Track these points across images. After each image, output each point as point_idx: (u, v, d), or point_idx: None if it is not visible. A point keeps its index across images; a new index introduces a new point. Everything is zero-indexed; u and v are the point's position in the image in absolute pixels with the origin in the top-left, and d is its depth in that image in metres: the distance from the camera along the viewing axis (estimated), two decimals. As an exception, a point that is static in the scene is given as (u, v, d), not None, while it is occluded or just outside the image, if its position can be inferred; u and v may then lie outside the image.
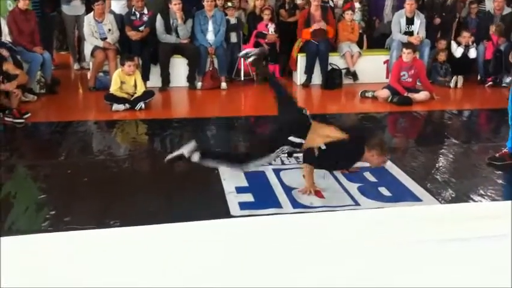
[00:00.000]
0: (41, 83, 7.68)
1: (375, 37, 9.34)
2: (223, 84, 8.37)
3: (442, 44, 8.80)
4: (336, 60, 8.65)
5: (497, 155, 5.15)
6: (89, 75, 8.31)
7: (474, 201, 4.30)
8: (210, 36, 8.37)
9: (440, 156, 5.48)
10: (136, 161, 5.32)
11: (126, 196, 4.33)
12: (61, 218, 3.90)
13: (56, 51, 10.20)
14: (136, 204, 4.15)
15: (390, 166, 4.95)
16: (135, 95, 7.04)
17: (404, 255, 2.87)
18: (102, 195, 4.35)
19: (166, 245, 3.10)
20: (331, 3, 9.15)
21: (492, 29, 8.63)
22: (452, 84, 8.49)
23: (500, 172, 4.93)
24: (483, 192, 4.46)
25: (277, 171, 4.78)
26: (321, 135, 4.16)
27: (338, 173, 4.71)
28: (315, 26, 8.43)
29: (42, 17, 8.98)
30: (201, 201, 4.19)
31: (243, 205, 4.11)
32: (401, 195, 4.37)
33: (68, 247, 2.91)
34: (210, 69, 8.41)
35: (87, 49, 8.27)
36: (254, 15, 8.93)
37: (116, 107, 6.90)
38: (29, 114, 6.50)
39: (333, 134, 4.18)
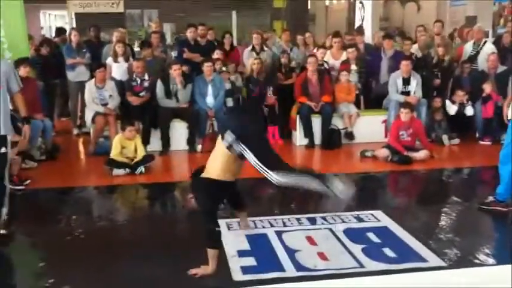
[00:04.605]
0: (41, 149, 7.69)
1: (371, 98, 9.45)
2: (223, 147, 8.39)
3: (437, 102, 8.90)
4: (334, 120, 8.73)
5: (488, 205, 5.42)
6: (90, 138, 8.34)
7: (480, 260, 4.23)
8: (210, 100, 8.48)
9: (443, 214, 5.44)
10: (137, 226, 5.27)
11: (127, 263, 4.26)
12: (60, 287, 3.83)
13: (57, 117, 10.31)
14: (138, 271, 4.08)
15: (393, 226, 4.91)
16: (136, 159, 7.05)
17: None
18: (103, 263, 4.28)
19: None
20: (326, 66, 9.29)
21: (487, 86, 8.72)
22: (455, 141, 8.64)
23: (504, 230, 4.89)
24: (488, 252, 4.40)
25: (279, 233, 4.74)
26: None
27: (341, 234, 4.67)
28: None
29: (45, 84, 9.18)
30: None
31: (246, 269, 4.05)
32: (406, 256, 4.31)
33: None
34: (210, 131, 8.48)
35: (88, 115, 8.34)
36: (252, 78, 9.07)
37: (116, 171, 6.90)
38: (28, 181, 6.49)
39: None
